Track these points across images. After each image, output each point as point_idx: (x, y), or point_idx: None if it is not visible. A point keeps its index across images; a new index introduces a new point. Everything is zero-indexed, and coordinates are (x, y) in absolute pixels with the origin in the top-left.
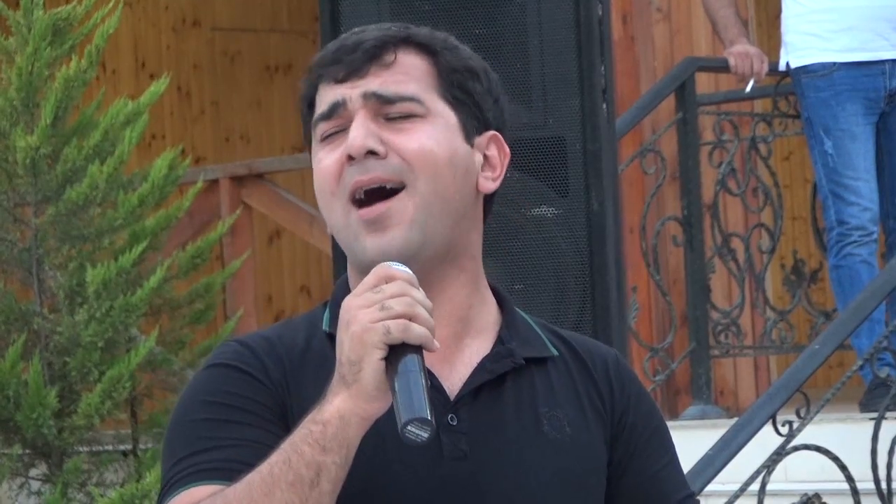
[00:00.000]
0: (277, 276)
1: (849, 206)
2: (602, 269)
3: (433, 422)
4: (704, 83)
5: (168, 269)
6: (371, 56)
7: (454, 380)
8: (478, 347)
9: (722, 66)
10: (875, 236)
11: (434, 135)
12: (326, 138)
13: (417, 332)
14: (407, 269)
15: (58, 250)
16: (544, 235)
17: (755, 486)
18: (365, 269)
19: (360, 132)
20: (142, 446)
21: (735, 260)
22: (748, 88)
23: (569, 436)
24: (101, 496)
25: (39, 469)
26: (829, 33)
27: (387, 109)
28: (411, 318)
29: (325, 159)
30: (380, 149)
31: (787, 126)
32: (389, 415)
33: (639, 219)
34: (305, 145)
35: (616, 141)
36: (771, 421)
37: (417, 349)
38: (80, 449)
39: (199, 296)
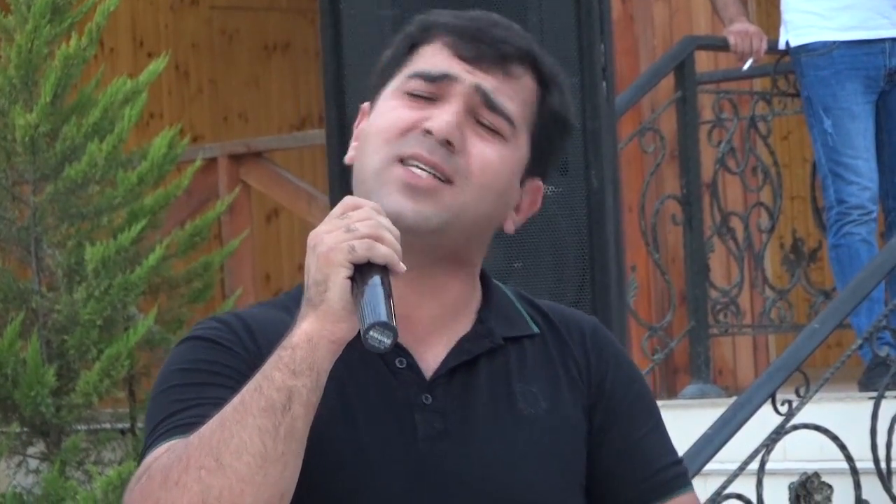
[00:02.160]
0: (276, 254)
1: (848, 185)
2: (601, 248)
3: (395, 326)
4: (704, 62)
5: (167, 247)
6: (505, 59)
7: (431, 360)
8: (457, 327)
9: (721, 45)
10: (874, 215)
11: (505, 160)
12: (411, 94)
13: (382, 251)
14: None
15: (56, 228)
16: (543, 213)
17: (754, 465)
18: None
19: (454, 120)
20: (140, 425)
21: (734, 239)
22: (746, 67)
23: (544, 410)
24: (99, 474)
25: (37, 447)
26: (829, 11)
27: (483, 113)
28: (377, 239)
29: (401, 111)
30: (458, 145)
31: (786, 105)
32: (361, 396)
33: (638, 197)
34: (378, 74)
35: (615, 119)
36: (770, 400)
37: (383, 269)
38: (78, 427)
39: (198, 274)
